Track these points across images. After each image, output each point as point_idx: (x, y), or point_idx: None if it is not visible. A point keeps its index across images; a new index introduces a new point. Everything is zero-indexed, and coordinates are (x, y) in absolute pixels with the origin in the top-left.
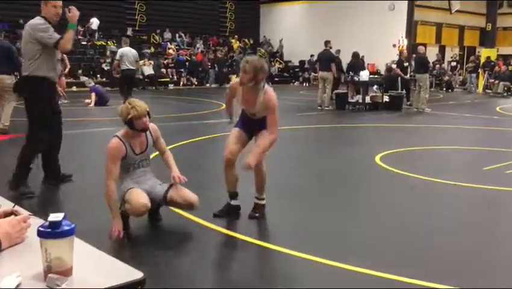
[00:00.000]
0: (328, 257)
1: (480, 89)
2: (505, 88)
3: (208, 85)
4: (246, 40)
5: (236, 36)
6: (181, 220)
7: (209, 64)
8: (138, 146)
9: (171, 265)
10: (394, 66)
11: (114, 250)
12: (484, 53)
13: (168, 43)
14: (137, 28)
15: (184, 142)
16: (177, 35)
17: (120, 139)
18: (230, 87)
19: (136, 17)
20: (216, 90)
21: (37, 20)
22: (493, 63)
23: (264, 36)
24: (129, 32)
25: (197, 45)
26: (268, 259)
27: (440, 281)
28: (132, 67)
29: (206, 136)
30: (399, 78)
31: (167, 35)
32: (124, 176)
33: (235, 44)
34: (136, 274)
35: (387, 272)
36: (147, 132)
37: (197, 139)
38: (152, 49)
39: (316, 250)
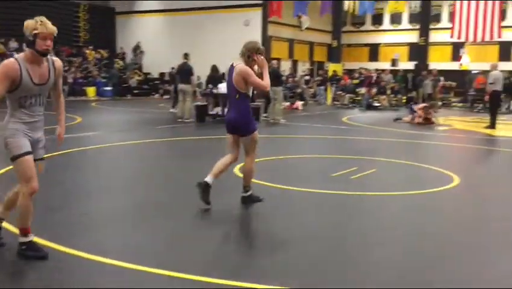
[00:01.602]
0: (194, 273)
1: (329, 101)
2: (351, 100)
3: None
4: (102, 51)
5: (91, 46)
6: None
7: None
8: (37, 75)
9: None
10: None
11: None
12: (331, 67)
13: (15, 53)
14: None
15: None
16: (24, 44)
17: (16, 60)
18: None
19: None
20: (69, 102)
21: None
22: (338, 77)
23: (121, 47)
24: None
25: (48, 55)
26: (101, 273)
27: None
28: None
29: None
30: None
31: (13, 44)
32: (16, 109)
33: (90, 55)
34: None
35: (258, 282)
36: (51, 66)
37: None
38: None
39: (176, 265)
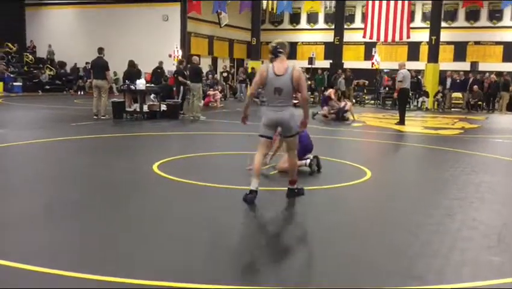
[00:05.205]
0: (110, 274)
1: None
2: None
3: None
4: (10, 44)
5: None
6: None
7: None
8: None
9: None
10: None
11: None
12: (251, 64)
13: None
14: None
15: None
16: None
17: None
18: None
19: None
20: None
21: None
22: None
23: (31, 40)
24: None
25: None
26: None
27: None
28: None
29: None
30: (182, 87)
31: None
32: None
33: None
34: None
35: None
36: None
37: None
38: None
39: (97, 268)
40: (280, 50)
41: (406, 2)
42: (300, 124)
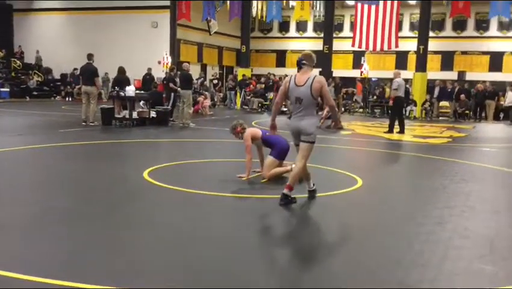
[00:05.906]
0: (95, 282)
1: (238, 105)
2: (259, 104)
3: None
4: None
5: None
6: None
7: None
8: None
9: None
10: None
11: None
12: (240, 72)
13: None
14: None
15: None
16: None
17: None
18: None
19: None
20: None
21: None
22: (247, 82)
23: (20, 46)
24: None
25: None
26: None
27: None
28: None
29: None
30: (172, 94)
31: None
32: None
33: None
34: None
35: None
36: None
37: None
38: None
39: (82, 277)
40: (305, 62)
41: (394, 12)
42: (332, 124)
